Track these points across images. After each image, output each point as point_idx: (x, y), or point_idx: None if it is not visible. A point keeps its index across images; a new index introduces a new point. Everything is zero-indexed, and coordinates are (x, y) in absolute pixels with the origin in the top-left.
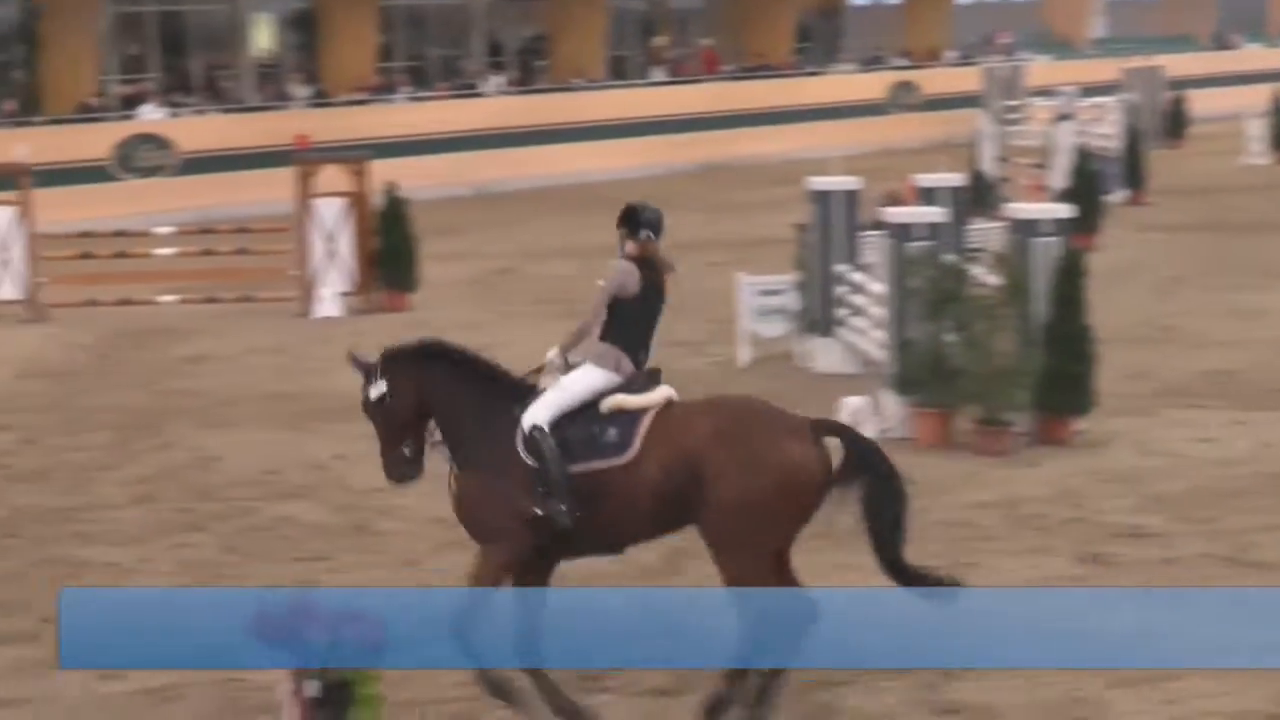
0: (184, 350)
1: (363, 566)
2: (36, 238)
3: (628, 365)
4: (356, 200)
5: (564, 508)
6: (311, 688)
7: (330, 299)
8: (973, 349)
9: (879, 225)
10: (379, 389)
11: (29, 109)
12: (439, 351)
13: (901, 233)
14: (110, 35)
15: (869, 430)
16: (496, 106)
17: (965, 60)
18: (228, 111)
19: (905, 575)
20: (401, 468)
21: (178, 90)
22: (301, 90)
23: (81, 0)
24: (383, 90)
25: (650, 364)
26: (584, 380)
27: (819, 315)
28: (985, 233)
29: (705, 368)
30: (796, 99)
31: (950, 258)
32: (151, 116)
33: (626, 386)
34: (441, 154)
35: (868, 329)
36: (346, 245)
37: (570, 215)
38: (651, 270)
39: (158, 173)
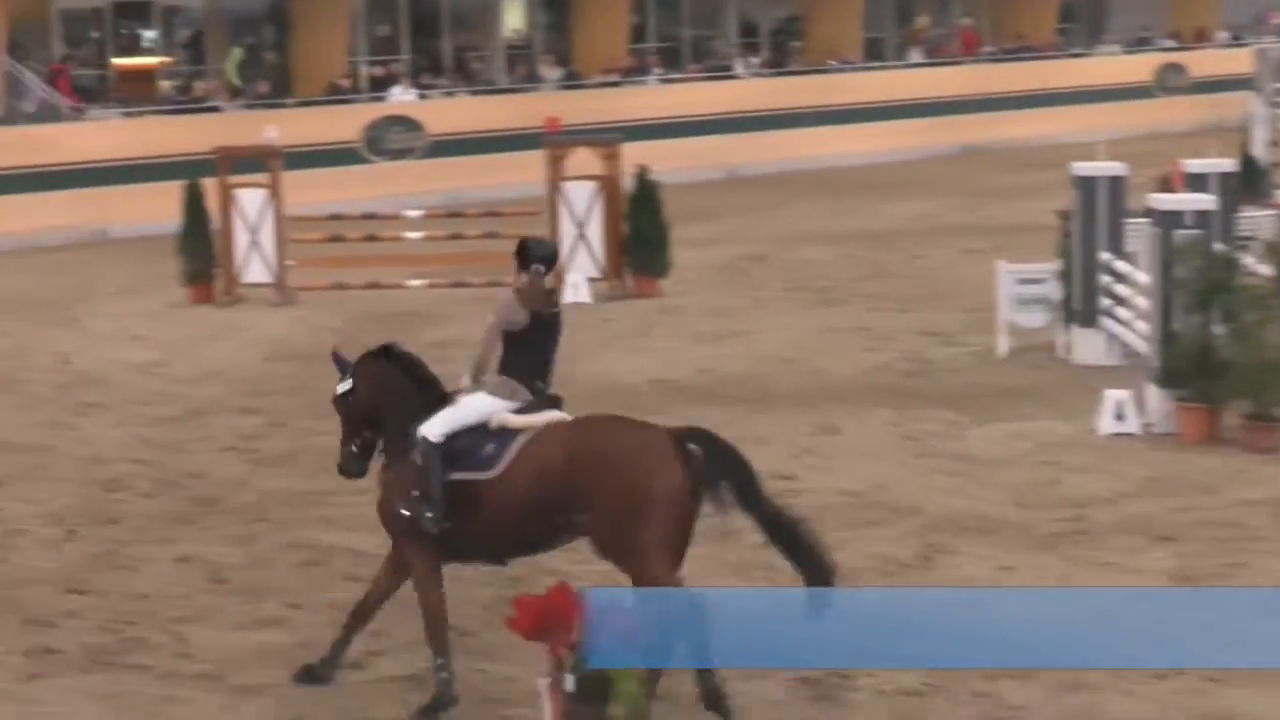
0: (431, 335)
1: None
2: (285, 220)
3: (524, 394)
4: (607, 184)
5: (430, 514)
6: (568, 682)
7: (579, 284)
8: (1242, 341)
9: (1146, 212)
10: (344, 386)
11: (280, 91)
12: (396, 356)
13: (1169, 220)
14: (361, 16)
15: (1130, 425)
16: (750, 88)
17: (1235, 41)
18: (478, 93)
19: (800, 555)
20: (349, 463)
21: (427, 71)
22: (552, 71)
23: None
24: (634, 72)
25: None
26: (478, 402)
27: (1081, 305)
28: (1256, 221)
29: (962, 358)
30: (1059, 81)
31: (1219, 247)
32: (401, 98)
33: (520, 409)
34: (693, 137)
35: (1132, 320)
36: (596, 230)
37: (824, 200)
38: (541, 303)
39: (407, 155)
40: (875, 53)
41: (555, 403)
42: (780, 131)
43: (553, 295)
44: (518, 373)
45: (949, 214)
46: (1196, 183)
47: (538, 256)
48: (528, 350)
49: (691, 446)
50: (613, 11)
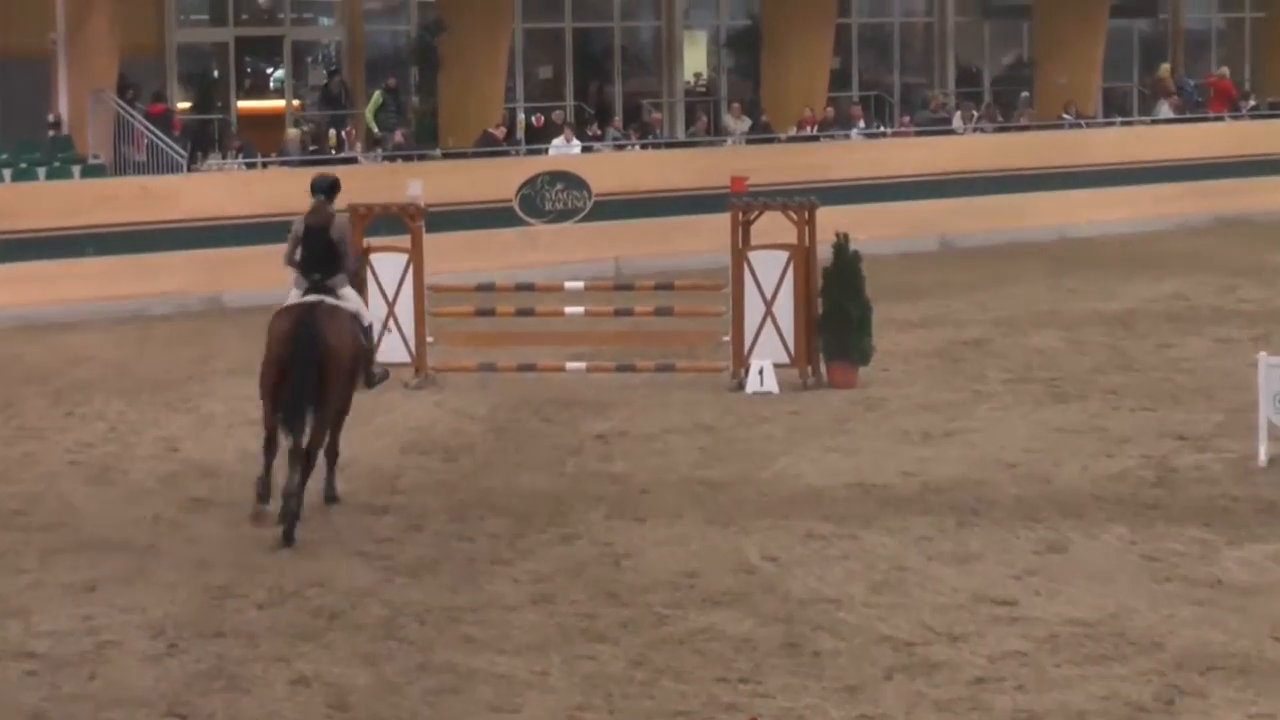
0: (594, 426)
1: (794, 691)
2: (427, 290)
3: (303, 282)
4: (800, 254)
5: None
6: None
7: (765, 371)
8: None
9: None
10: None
11: (425, 140)
12: None
13: None
14: (520, 55)
15: None
16: (970, 146)
17: None
18: (652, 147)
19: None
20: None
21: (595, 121)
22: (739, 123)
23: (492, 14)
24: (834, 124)
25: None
26: (290, 289)
27: None
28: None
29: (1214, 466)
30: None
31: None
32: (564, 151)
33: (304, 292)
34: (903, 201)
35: None
36: (786, 307)
37: (1055, 277)
38: (317, 218)
39: (569, 217)
40: (1115, 105)
41: (325, 290)
42: (1005, 196)
43: (327, 213)
44: (303, 267)
45: (1201, 295)
46: None
47: (317, 188)
48: (308, 252)
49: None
50: (811, 55)
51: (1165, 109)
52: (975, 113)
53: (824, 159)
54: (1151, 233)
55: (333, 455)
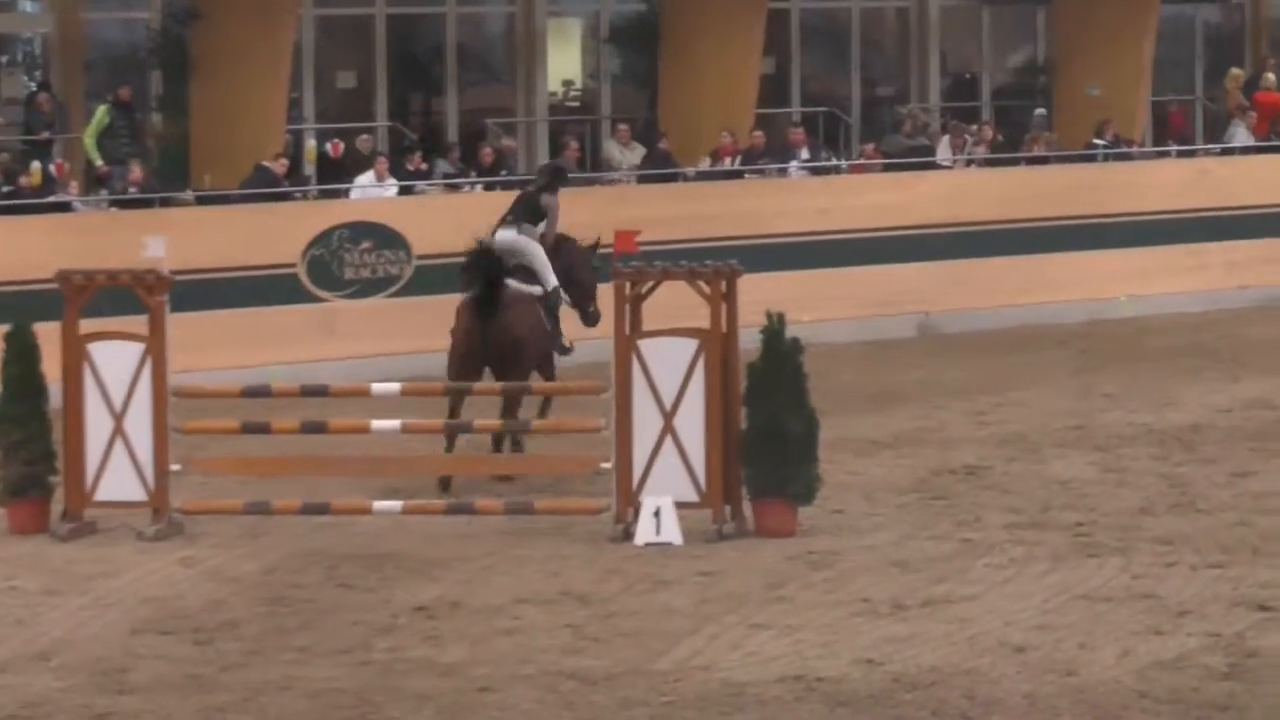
0: (414, 594)
1: None
2: (172, 395)
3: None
4: (715, 343)
5: None
6: None
7: (664, 513)
8: None
9: None
10: None
11: (169, 176)
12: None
13: None
14: (309, 56)
15: None
16: (962, 186)
17: None
18: (502, 186)
19: None
20: None
21: (419, 149)
22: (627, 152)
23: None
24: (766, 154)
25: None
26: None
27: None
28: None
29: None
30: None
31: None
32: (374, 194)
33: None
34: (866, 265)
35: None
36: (694, 420)
37: (1084, 374)
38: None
39: (380, 289)
40: (1170, 127)
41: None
42: (1013, 259)
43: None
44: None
45: None
46: None
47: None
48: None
49: None
50: (733, 55)
51: (1242, 132)
52: (969, 137)
53: (751, 205)
54: (1225, 312)
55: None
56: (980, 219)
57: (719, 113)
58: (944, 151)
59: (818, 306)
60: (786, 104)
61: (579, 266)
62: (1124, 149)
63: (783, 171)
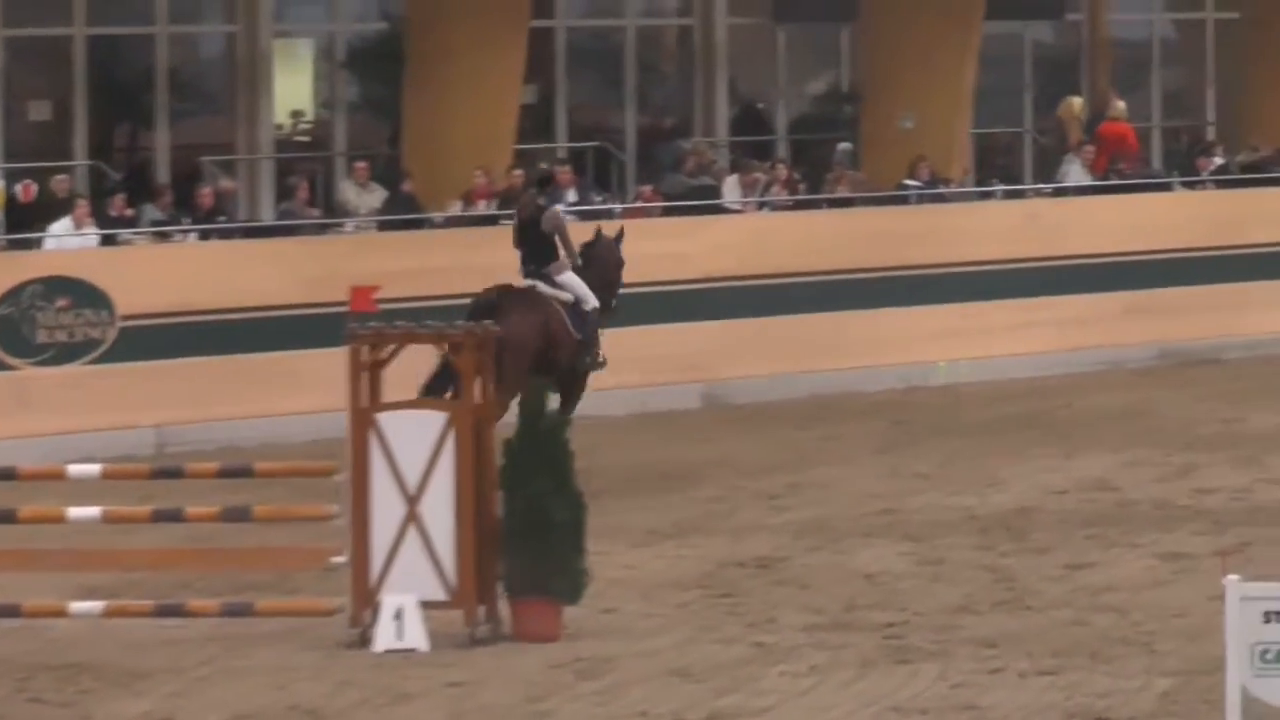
0: (114, 711)
1: None
2: None
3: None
4: (466, 417)
5: None
6: None
7: (407, 614)
8: None
9: None
10: None
11: None
12: None
13: None
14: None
15: None
16: (754, 233)
17: None
18: (220, 234)
19: None
20: None
21: (122, 190)
22: (365, 194)
23: None
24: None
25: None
26: None
27: None
28: None
29: None
30: None
31: None
32: (71, 244)
33: None
34: (644, 325)
35: None
36: (444, 506)
37: (899, 452)
38: (527, 213)
39: (79, 355)
40: (996, 164)
41: (541, 277)
42: (813, 318)
43: (536, 207)
44: (521, 261)
45: (1138, 483)
46: None
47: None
48: (523, 247)
49: None
50: (489, 80)
51: (1077, 170)
52: (762, 176)
53: (508, 256)
54: (1058, 378)
55: None
56: (775, 271)
57: (472, 149)
58: (732, 193)
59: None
60: (551, 138)
61: (611, 266)
62: (941, 189)
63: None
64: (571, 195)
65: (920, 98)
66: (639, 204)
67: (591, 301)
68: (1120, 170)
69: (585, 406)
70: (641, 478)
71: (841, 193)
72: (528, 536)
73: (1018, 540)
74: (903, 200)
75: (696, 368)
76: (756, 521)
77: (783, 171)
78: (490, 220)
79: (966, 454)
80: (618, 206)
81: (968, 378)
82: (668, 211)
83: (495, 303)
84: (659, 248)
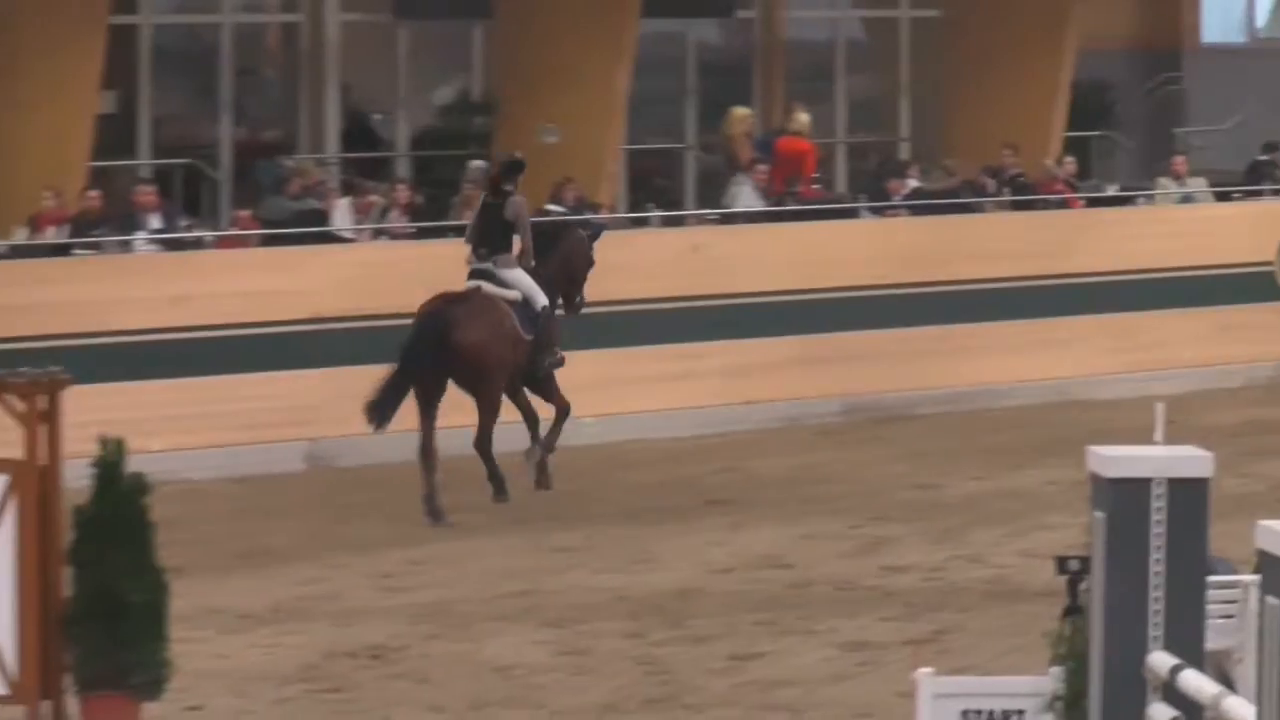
0: None
1: None
2: None
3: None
4: (29, 480)
5: None
6: None
7: None
8: None
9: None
10: None
11: None
12: None
13: None
14: None
15: None
16: (359, 264)
17: None
18: None
19: None
20: None
21: None
22: None
23: None
24: (104, 221)
25: None
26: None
27: None
28: None
29: None
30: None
31: None
32: None
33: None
34: (237, 374)
35: None
36: (3, 586)
37: (538, 525)
38: (495, 197)
39: None
40: (652, 185)
41: (487, 275)
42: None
43: (503, 193)
44: (473, 242)
45: (815, 558)
46: None
47: (504, 169)
48: (480, 227)
49: None
50: (58, 85)
51: (747, 192)
52: (380, 199)
53: (81, 291)
54: (725, 437)
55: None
56: (394, 310)
57: (38, 167)
58: (344, 219)
59: (171, 429)
60: (133, 154)
61: (578, 263)
62: (588, 215)
63: (125, 245)
64: (155, 221)
65: (565, 108)
66: (234, 231)
67: (541, 300)
68: (798, 194)
69: (169, 466)
70: (234, 552)
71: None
72: (100, 621)
73: (674, 626)
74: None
75: (300, 423)
76: (368, 604)
77: (403, 194)
78: (61, 250)
79: (616, 525)
80: (209, 234)
81: (618, 435)
82: (268, 240)
83: (444, 314)
84: (258, 283)
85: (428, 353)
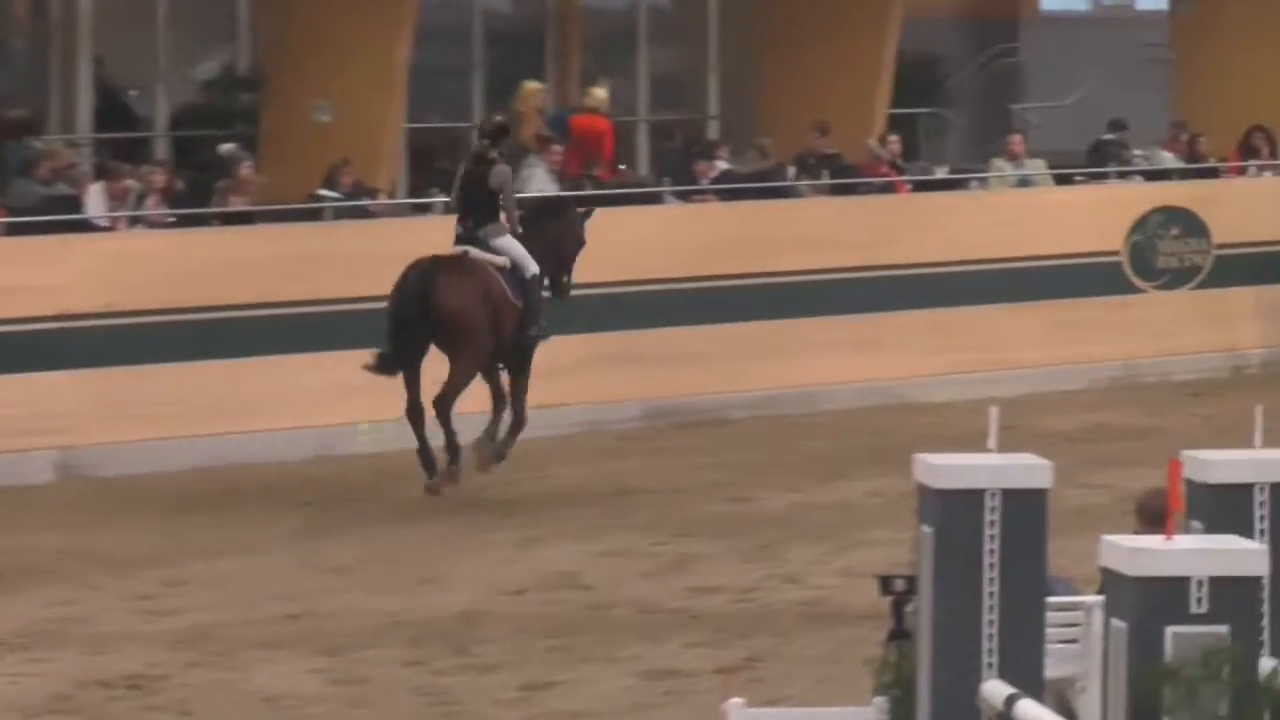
0: None
1: None
2: None
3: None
4: None
5: None
6: None
7: None
8: None
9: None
10: None
11: None
12: None
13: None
14: None
15: None
16: (114, 256)
17: None
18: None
19: None
20: None
21: None
22: None
23: None
24: None
25: None
26: None
27: None
28: None
29: None
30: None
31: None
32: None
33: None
34: None
35: None
36: None
37: (310, 538)
38: (476, 165)
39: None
40: (432, 169)
41: (475, 240)
42: (219, 365)
43: (488, 160)
44: (457, 212)
45: (617, 576)
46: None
47: (483, 132)
48: (463, 197)
49: None
50: None
51: (541, 175)
52: (135, 184)
53: None
54: (528, 443)
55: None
56: (151, 306)
57: None
58: (98, 205)
59: None
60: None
61: (569, 241)
62: (366, 201)
63: None
64: None
65: (339, 83)
66: None
67: (531, 267)
68: (596, 177)
69: None
70: None
71: (236, 205)
72: None
73: (460, 654)
74: (316, 215)
75: (49, 431)
76: (124, 629)
77: (160, 178)
78: None
79: (396, 542)
80: None
81: (400, 443)
82: (15, 230)
83: (429, 274)
84: (2, 277)
85: (414, 314)
